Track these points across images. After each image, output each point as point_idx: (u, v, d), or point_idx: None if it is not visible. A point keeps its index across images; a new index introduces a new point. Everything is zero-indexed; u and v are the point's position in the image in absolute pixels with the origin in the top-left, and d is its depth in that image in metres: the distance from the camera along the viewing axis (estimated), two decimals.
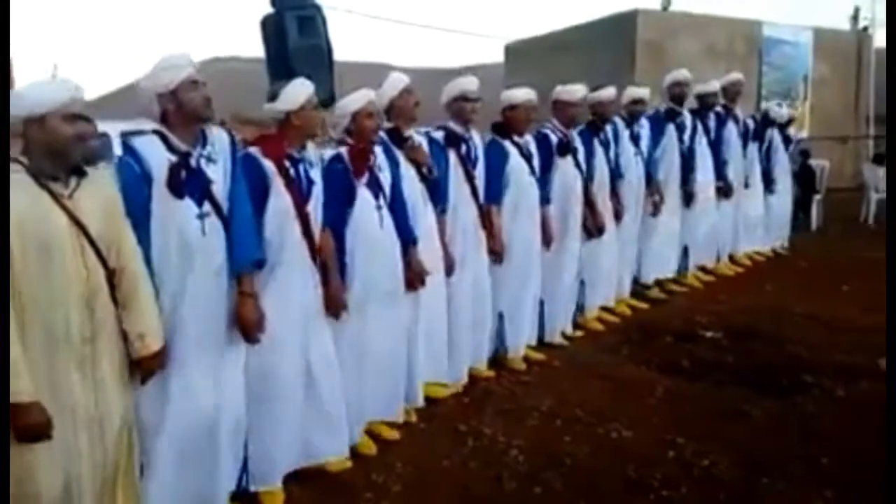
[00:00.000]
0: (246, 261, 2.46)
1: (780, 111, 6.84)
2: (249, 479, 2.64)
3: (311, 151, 2.88)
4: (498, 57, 14.73)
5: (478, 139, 3.89)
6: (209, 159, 2.39)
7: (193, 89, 2.33)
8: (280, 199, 2.67)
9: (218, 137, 2.47)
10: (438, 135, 3.71)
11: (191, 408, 2.35)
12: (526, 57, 12.67)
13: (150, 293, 2.17)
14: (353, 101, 3.07)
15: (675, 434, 3.15)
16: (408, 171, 3.38)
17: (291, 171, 2.72)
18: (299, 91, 2.76)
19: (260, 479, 2.66)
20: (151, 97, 2.34)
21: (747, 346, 4.35)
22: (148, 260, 2.22)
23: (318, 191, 2.82)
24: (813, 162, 8.82)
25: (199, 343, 2.36)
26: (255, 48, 5.03)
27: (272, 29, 4.46)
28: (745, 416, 3.35)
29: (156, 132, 2.34)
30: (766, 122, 6.67)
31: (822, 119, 12.59)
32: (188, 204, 2.32)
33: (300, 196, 2.73)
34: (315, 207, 2.80)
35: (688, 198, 5.70)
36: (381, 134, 3.35)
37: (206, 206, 2.36)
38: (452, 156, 3.72)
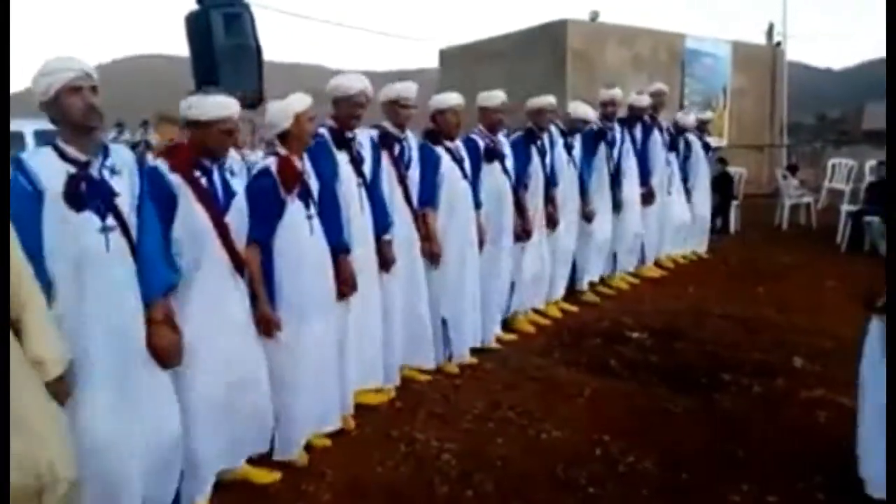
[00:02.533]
0: (157, 288, 2.34)
1: (685, 117, 7.15)
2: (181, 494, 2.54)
3: (232, 160, 2.78)
4: (433, 62, 14.79)
5: (413, 141, 3.89)
6: (112, 171, 2.26)
7: (73, 95, 2.16)
8: (192, 214, 2.57)
9: (119, 151, 2.36)
10: (373, 133, 3.69)
11: (99, 434, 2.20)
12: (460, 62, 12.76)
13: (45, 316, 1.98)
14: (295, 101, 3.00)
15: (602, 433, 3.22)
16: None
17: (204, 181, 2.61)
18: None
19: (187, 494, 2.57)
20: (40, 107, 2.20)
21: (670, 346, 4.51)
22: (43, 280, 2.05)
23: (239, 201, 2.72)
24: (731, 169, 9.26)
25: (105, 365, 2.20)
26: (179, 46, 4.86)
27: (197, 26, 4.31)
28: (667, 414, 3.47)
29: (51, 145, 2.20)
30: (677, 129, 6.98)
31: (739, 128, 13.23)
32: (89, 217, 2.18)
33: (216, 207, 2.63)
34: (237, 218, 2.71)
35: (616, 205, 5.92)
36: (324, 133, 3.31)
37: (111, 220, 2.22)
38: (385, 157, 3.70)
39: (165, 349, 2.35)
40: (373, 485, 2.84)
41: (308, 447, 3.07)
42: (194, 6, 4.53)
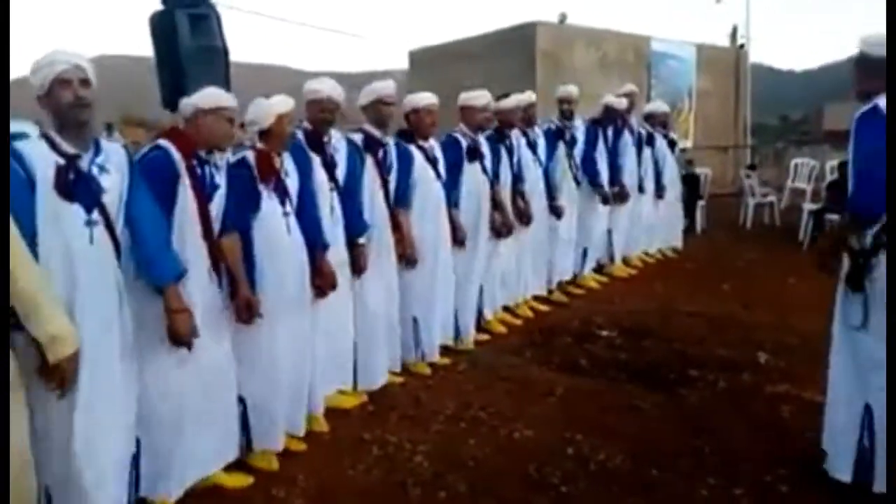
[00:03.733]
0: (168, 276, 2.42)
1: (661, 105, 7.51)
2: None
3: (217, 155, 2.79)
4: (402, 63, 14.79)
5: (393, 145, 3.90)
6: (102, 168, 2.28)
7: (63, 87, 2.18)
8: (186, 198, 2.60)
9: (113, 149, 2.37)
10: (357, 137, 3.70)
11: (78, 428, 2.19)
12: (429, 64, 12.78)
13: (55, 298, 2.02)
14: (279, 102, 3.04)
15: (574, 431, 3.25)
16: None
17: (198, 171, 2.66)
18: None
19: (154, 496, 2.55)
20: (38, 102, 2.22)
21: (639, 343, 4.58)
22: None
23: (220, 196, 2.75)
24: (697, 169, 9.44)
25: (85, 356, 2.17)
26: (143, 46, 4.77)
27: (162, 27, 4.22)
28: (636, 410, 3.52)
29: (43, 135, 2.20)
30: (649, 121, 7.17)
31: (704, 129, 13.48)
32: (76, 209, 2.20)
33: (204, 198, 2.65)
34: (216, 212, 2.73)
35: (604, 199, 6.04)
36: (299, 136, 3.31)
37: (96, 215, 2.24)
38: (369, 160, 3.71)
39: (185, 336, 2.47)
40: (345, 488, 2.83)
41: (280, 452, 3.03)
42: (159, 6, 4.44)
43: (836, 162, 9.06)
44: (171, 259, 2.45)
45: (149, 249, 2.39)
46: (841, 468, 2.63)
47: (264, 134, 3.01)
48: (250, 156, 2.98)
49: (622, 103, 6.38)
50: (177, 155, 2.60)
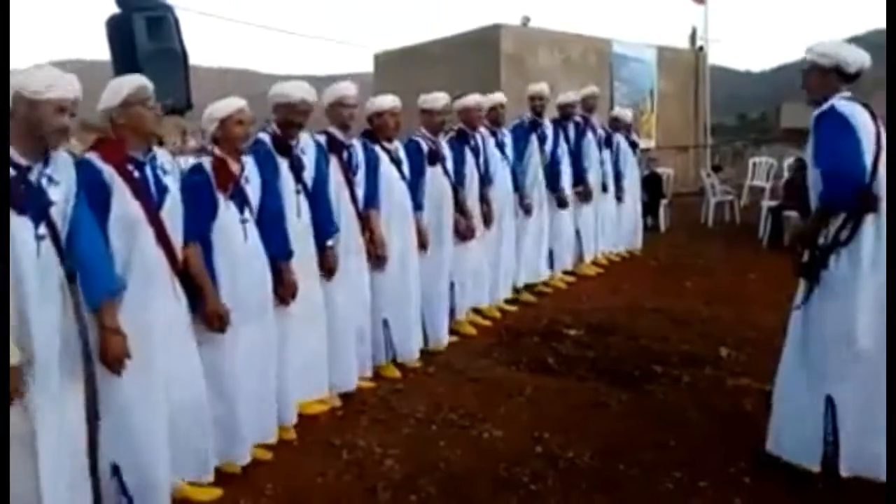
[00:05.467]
0: (100, 293, 2.31)
1: (624, 112, 7.62)
2: None
3: (164, 157, 2.72)
4: (367, 66, 14.75)
5: (359, 146, 3.89)
6: (50, 180, 2.21)
7: (57, 113, 2.16)
8: (125, 207, 2.50)
9: (62, 159, 2.29)
10: (321, 139, 3.68)
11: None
12: (394, 67, 12.76)
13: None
14: (220, 107, 2.97)
15: (542, 430, 3.28)
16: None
17: (136, 175, 2.54)
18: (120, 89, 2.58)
19: None
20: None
21: (605, 341, 4.64)
22: None
23: (172, 199, 2.66)
24: (659, 170, 9.62)
25: (42, 373, 2.12)
26: (100, 50, 4.69)
27: (118, 31, 4.15)
28: (603, 407, 3.57)
29: None
30: (614, 126, 7.26)
31: (666, 130, 13.72)
32: (25, 222, 2.12)
33: (150, 201, 2.56)
34: (171, 216, 2.64)
35: (561, 202, 6.06)
36: (266, 140, 3.27)
37: (43, 228, 2.16)
38: (334, 161, 3.69)
39: (117, 358, 2.33)
40: (314, 495, 2.80)
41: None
42: (115, 10, 4.37)
43: (792, 159, 9.32)
44: (104, 276, 2.34)
45: (82, 265, 2.27)
46: (807, 457, 2.72)
47: (215, 140, 2.96)
48: (206, 163, 2.92)
49: (570, 96, 6.42)
50: (103, 165, 2.49)
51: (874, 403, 2.59)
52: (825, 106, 2.68)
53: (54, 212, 2.20)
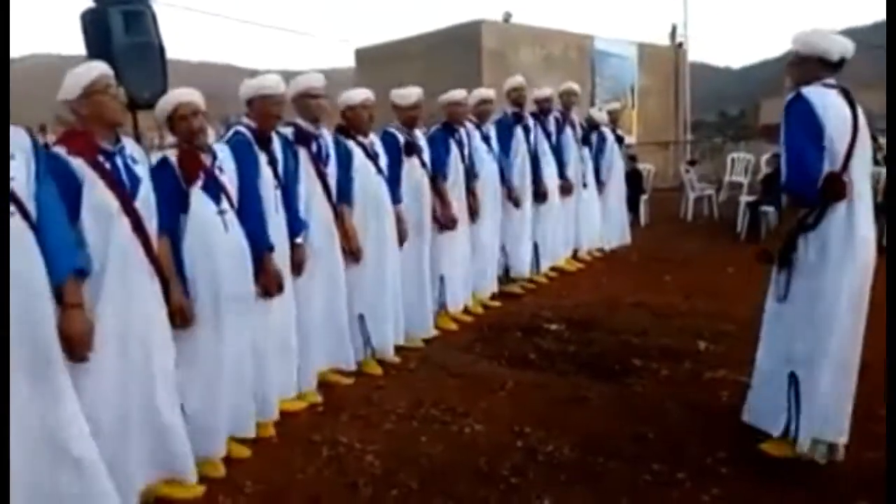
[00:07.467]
0: (64, 269, 2.21)
1: (598, 113, 7.48)
2: None
3: (132, 148, 2.68)
4: (349, 61, 14.68)
5: (329, 137, 3.85)
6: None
7: None
8: (99, 198, 2.46)
9: (14, 131, 2.19)
10: (288, 131, 3.63)
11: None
12: (376, 62, 12.72)
13: None
14: (161, 107, 2.93)
15: (523, 424, 3.30)
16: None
17: (108, 166, 2.50)
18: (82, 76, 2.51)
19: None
20: None
21: (586, 336, 4.67)
22: None
23: (146, 189, 2.63)
24: (640, 165, 9.69)
25: (20, 358, 2.07)
26: (75, 44, 4.62)
27: (93, 25, 4.08)
28: (583, 401, 3.60)
29: None
30: (590, 125, 7.25)
31: (646, 126, 13.84)
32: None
33: (124, 191, 2.52)
34: (145, 206, 2.61)
35: (541, 196, 6.05)
36: (245, 132, 3.24)
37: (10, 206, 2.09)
38: (303, 153, 3.66)
39: (76, 335, 2.20)
40: (294, 492, 2.79)
41: (226, 458, 2.98)
42: (91, 4, 4.30)
43: (769, 155, 9.43)
44: (69, 254, 2.25)
45: (47, 243, 2.17)
46: (772, 425, 2.90)
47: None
48: (171, 155, 2.88)
49: (545, 92, 6.42)
50: (73, 160, 2.44)
51: (839, 388, 2.72)
52: (793, 93, 2.70)
53: (17, 187, 2.10)
